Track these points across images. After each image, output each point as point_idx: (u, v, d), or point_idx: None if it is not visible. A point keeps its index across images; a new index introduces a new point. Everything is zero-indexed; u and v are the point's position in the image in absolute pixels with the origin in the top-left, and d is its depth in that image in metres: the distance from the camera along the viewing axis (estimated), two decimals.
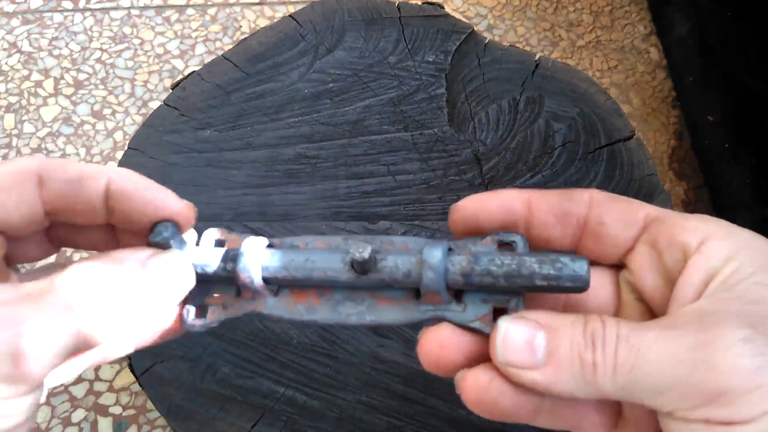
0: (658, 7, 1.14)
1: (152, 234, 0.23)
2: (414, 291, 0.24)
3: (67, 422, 0.68)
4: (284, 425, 0.32)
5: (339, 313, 0.24)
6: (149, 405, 0.69)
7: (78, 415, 0.69)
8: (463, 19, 0.45)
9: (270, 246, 0.25)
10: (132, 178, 0.23)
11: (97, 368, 0.72)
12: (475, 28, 0.44)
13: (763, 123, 0.85)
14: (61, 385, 0.69)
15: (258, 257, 0.24)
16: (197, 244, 0.26)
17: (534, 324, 0.19)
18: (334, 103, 0.41)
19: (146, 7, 1.19)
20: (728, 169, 0.93)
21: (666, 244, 0.21)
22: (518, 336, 0.19)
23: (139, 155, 0.39)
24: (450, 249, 0.24)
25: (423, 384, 0.33)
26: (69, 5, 1.20)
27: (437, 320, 0.23)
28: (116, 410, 0.69)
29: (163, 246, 0.23)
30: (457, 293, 0.23)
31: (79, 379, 0.71)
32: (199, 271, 0.24)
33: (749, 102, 0.88)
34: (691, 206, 0.99)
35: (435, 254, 0.22)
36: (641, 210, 0.22)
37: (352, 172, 0.39)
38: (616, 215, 0.22)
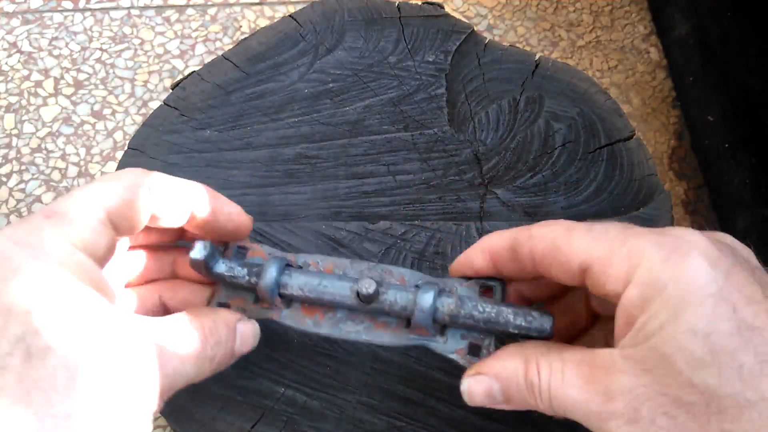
0: (658, 7, 1.14)
1: (193, 251, 0.26)
2: (406, 320, 0.28)
3: None
4: (284, 425, 0.32)
5: (340, 330, 0.28)
6: None
7: None
8: (463, 19, 0.45)
9: (288, 265, 0.29)
10: (211, 192, 0.28)
11: None
12: (475, 28, 0.44)
13: (763, 123, 0.85)
14: None
15: (278, 276, 0.28)
16: (224, 251, 0.30)
17: (488, 379, 0.24)
18: (334, 103, 0.41)
19: (146, 7, 1.19)
20: (728, 169, 0.93)
21: (600, 294, 0.23)
22: (478, 390, 0.25)
23: (139, 155, 0.39)
24: (441, 289, 0.27)
25: (423, 384, 0.33)
26: (69, 5, 1.20)
27: (422, 347, 0.28)
28: None
29: (203, 264, 0.27)
30: (442, 327, 0.28)
31: None
32: (227, 279, 0.28)
33: (749, 102, 0.88)
34: (691, 206, 0.99)
35: (426, 299, 0.26)
36: (576, 257, 0.23)
37: (352, 172, 0.39)
38: (556, 270, 0.25)
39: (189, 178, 0.38)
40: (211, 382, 0.33)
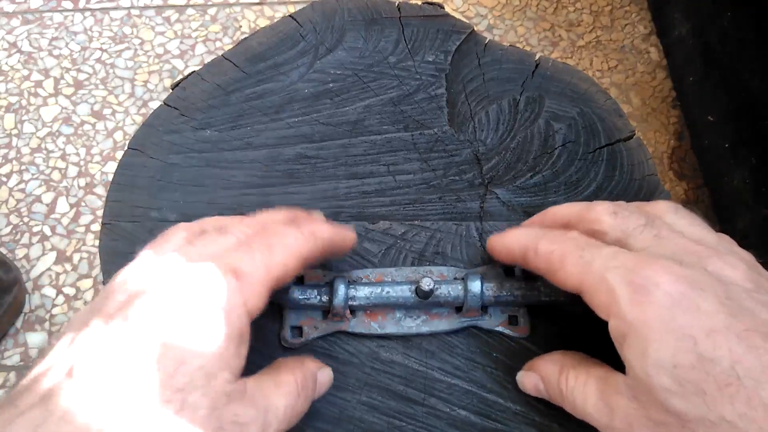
0: (658, 7, 1.14)
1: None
2: (455, 308, 0.33)
3: None
4: None
5: (402, 327, 0.33)
6: None
7: None
8: (463, 19, 0.45)
9: (349, 281, 0.33)
10: (336, 229, 0.31)
11: None
12: (475, 28, 0.44)
13: (763, 123, 0.85)
14: None
15: (347, 291, 0.32)
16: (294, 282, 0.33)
17: (535, 377, 0.30)
18: (334, 103, 0.41)
19: (146, 7, 1.19)
20: (728, 169, 0.93)
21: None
22: (528, 383, 0.31)
23: (139, 155, 0.39)
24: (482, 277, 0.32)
25: (423, 384, 0.33)
26: (69, 5, 1.20)
27: (472, 326, 0.33)
28: None
29: (286, 288, 0.31)
30: (483, 307, 0.33)
31: None
32: (301, 302, 0.32)
33: (749, 102, 0.88)
34: (691, 206, 0.99)
35: (476, 286, 0.32)
36: (569, 282, 0.27)
37: (352, 172, 0.39)
38: (558, 284, 0.29)
39: (189, 178, 0.38)
40: None
